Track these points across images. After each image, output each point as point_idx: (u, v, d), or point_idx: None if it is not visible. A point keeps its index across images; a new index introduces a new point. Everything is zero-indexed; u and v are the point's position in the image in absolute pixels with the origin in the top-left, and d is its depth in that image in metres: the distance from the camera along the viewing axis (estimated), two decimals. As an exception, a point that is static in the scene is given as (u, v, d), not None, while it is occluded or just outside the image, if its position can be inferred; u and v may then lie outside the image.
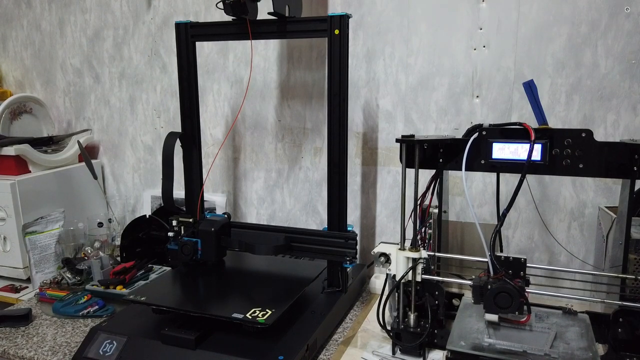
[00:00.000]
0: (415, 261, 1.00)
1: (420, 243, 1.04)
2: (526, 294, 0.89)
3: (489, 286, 0.90)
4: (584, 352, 0.90)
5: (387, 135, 1.44)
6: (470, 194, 1.37)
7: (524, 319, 0.93)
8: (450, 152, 1.01)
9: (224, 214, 1.34)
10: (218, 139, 1.65)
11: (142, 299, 1.07)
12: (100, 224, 1.52)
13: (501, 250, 1.17)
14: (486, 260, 1.06)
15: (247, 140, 1.61)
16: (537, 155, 0.93)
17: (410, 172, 1.01)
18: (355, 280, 1.30)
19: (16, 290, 1.45)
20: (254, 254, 1.23)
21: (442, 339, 1.04)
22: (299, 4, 1.24)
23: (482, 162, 0.99)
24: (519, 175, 0.92)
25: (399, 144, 1.00)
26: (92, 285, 1.29)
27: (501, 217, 0.93)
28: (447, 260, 1.12)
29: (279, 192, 1.60)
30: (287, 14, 1.17)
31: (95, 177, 1.66)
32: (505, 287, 0.88)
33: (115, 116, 1.78)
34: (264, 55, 1.53)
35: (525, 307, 0.89)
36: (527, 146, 0.93)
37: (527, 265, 1.02)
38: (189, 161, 1.32)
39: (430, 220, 1.06)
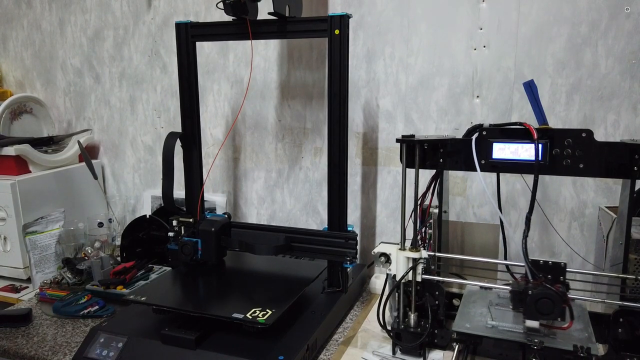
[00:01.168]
0: (415, 261, 1.00)
1: (420, 243, 1.04)
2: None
3: (530, 292, 0.87)
4: (580, 333, 0.93)
5: (387, 135, 1.44)
6: (471, 194, 1.37)
7: (566, 325, 0.89)
8: (450, 152, 1.01)
9: (224, 214, 1.34)
10: (218, 139, 1.65)
11: (142, 299, 1.07)
12: (100, 224, 1.52)
13: (505, 252, 1.18)
14: (488, 260, 1.07)
15: (247, 140, 1.61)
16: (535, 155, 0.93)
17: (411, 172, 1.01)
18: (356, 280, 1.30)
19: (16, 290, 1.45)
20: (254, 254, 1.23)
21: (442, 339, 1.04)
22: (299, 4, 1.24)
23: (483, 162, 0.98)
24: (519, 175, 0.92)
25: (399, 144, 1.00)
26: (93, 285, 1.29)
27: (526, 221, 0.92)
28: (447, 260, 1.12)
29: (279, 192, 1.60)
30: (287, 14, 1.17)
31: (96, 177, 1.66)
32: (546, 293, 0.86)
33: (116, 116, 1.78)
34: (264, 55, 1.53)
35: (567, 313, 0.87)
36: (527, 146, 0.93)
37: (512, 263, 1.02)
38: (189, 161, 1.32)
39: (431, 220, 1.06)
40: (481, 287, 1.11)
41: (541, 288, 0.87)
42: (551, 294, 0.86)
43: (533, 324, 0.90)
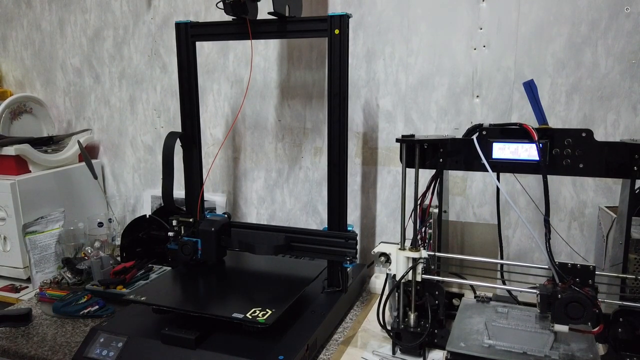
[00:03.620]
0: (415, 261, 1.00)
1: (420, 243, 1.04)
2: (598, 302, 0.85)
3: (559, 295, 0.85)
4: (584, 354, 0.89)
5: (387, 135, 1.44)
6: (470, 194, 1.37)
7: (596, 329, 0.87)
8: (450, 152, 1.01)
9: (224, 213, 1.34)
10: (218, 139, 1.65)
11: (142, 298, 1.07)
12: (100, 224, 1.52)
13: (501, 252, 1.17)
14: (488, 260, 1.06)
15: (247, 140, 1.61)
16: (537, 155, 0.93)
17: (411, 172, 1.01)
18: (356, 280, 1.30)
19: (16, 290, 1.45)
20: (254, 254, 1.23)
21: (442, 339, 1.04)
22: (299, 4, 1.24)
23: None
24: (520, 175, 0.92)
25: (399, 143, 1.00)
26: (92, 285, 1.29)
27: (545, 224, 0.90)
28: (447, 260, 1.12)
29: (279, 192, 1.60)
30: (287, 14, 1.17)
31: (96, 177, 1.66)
32: (576, 297, 0.84)
33: (116, 116, 1.78)
34: (264, 55, 1.53)
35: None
36: (527, 146, 0.93)
37: (528, 265, 1.02)
38: (189, 161, 1.32)
39: (430, 220, 1.06)
40: (477, 298, 1.08)
41: (570, 292, 0.85)
42: (581, 298, 0.84)
43: (562, 328, 0.87)
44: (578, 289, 0.85)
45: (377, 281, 1.35)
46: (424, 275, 1.01)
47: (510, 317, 1.02)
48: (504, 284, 1.14)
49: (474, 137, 0.97)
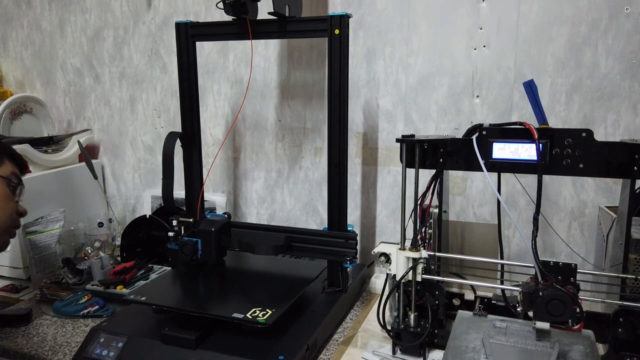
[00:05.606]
0: (415, 261, 1.00)
1: (420, 243, 1.04)
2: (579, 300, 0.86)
3: (540, 293, 0.86)
4: None
5: (387, 135, 1.44)
6: (471, 194, 1.37)
7: (577, 326, 0.88)
8: (450, 152, 1.01)
9: (224, 213, 1.34)
10: (218, 139, 1.65)
11: (143, 298, 1.07)
12: (100, 224, 1.52)
13: (501, 252, 1.17)
14: (488, 260, 1.06)
15: (247, 140, 1.61)
16: (535, 154, 0.93)
17: (411, 172, 1.01)
18: (356, 280, 1.30)
19: (16, 290, 1.44)
20: (254, 254, 1.23)
21: (442, 339, 1.04)
22: (299, 4, 1.24)
23: (483, 162, 0.98)
24: (519, 174, 0.92)
25: (399, 143, 1.00)
26: (93, 285, 1.29)
27: (534, 222, 0.91)
28: (447, 260, 1.12)
29: (279, 192, 1.60)
30: (287, 14, 1.17)
31: (96, 177, 1.66)
32: (557, 294, 0.85)
33: (116, 116, 1.78)
34: (264, 55, 1.53)
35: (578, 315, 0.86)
36: (527, 146, 0.93)
37: (527, 265, 1.02)
38: (189, 161, 1.32)
39: (431, 220, 1.06)
40: (474, 312, 1.04)
41: (552, 289, 0.86)
42: (562, 296, 0.85)
43: (543, 325, 0.88)
44: (559, 287, 0.86)
45: (377, 281, 1.35)
46: (424, 275, 1.01)
47: (510, 332, 0.94)
48: (502, 284, 1.14)
49: (474, 137, 0.97)
